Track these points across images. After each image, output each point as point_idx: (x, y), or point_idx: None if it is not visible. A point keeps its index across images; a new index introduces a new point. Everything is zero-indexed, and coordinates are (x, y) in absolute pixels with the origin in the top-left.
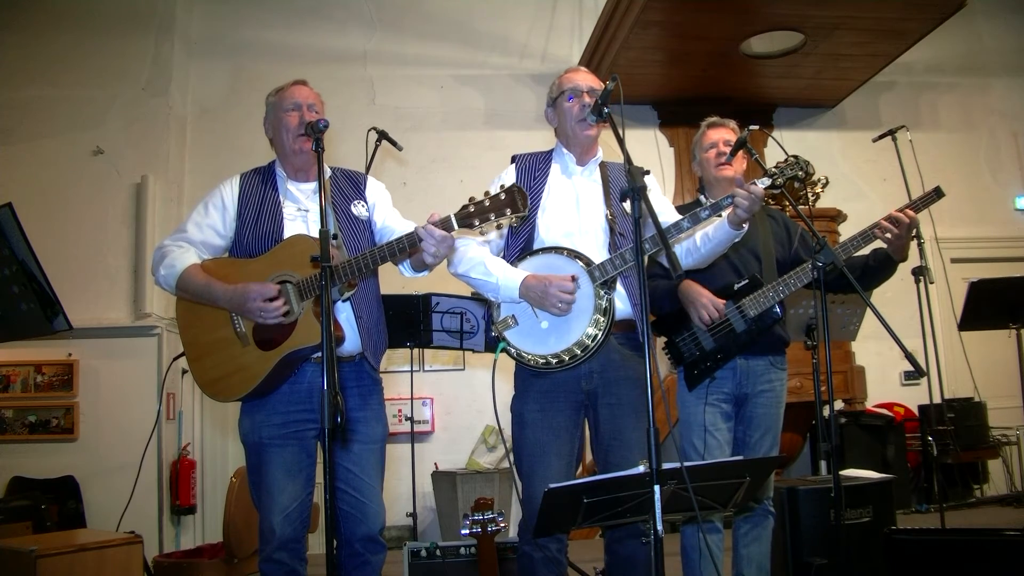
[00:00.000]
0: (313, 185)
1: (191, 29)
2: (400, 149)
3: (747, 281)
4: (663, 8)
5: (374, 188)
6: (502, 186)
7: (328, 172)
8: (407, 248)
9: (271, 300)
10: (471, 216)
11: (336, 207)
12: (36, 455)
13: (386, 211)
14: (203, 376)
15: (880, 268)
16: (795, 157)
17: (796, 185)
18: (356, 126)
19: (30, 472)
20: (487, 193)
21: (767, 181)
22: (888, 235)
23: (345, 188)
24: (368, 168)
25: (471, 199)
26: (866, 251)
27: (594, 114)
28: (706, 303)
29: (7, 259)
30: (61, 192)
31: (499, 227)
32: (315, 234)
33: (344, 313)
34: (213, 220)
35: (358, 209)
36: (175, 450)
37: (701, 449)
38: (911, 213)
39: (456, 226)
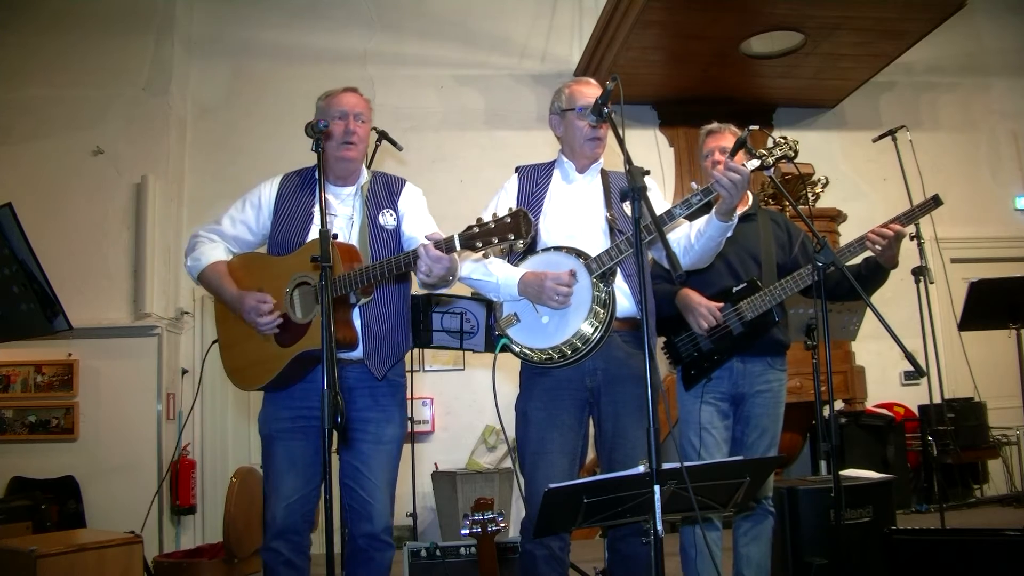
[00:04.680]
0: (349, 189)
1: (191, 29)
2: (400, 149)
3: (745, 284)
4: (663, 8)
5: (409, 196)
6: (510, 209)
7: (366, 176)
8: (412, 263)
9: (268, 312)
10: (475, 237)
11: (369, 215)
12: (36, 455)
13: (416, 221)
14: (229, 363)
15: (871, 276)
16: (783, 138)
17: (787, 177)
18: None
19: (30, 472)
20: (495, 215)
21: (756, 163)
22: (877, 246)
23: (380, 195)
24: (368, 168)
25: (478, 220)
26: (858, 259)
27: (594, 114)
28: (704, 312)
29: (7, 259)
30: (61, 192)
31: (501, 251)
32: (340, 239)
33: (356, 319)
34: (247, 217)
35: (385, 218)
36: (175, 450)
37: (698, 446)
38: (896, 227)
39: (459, 246)
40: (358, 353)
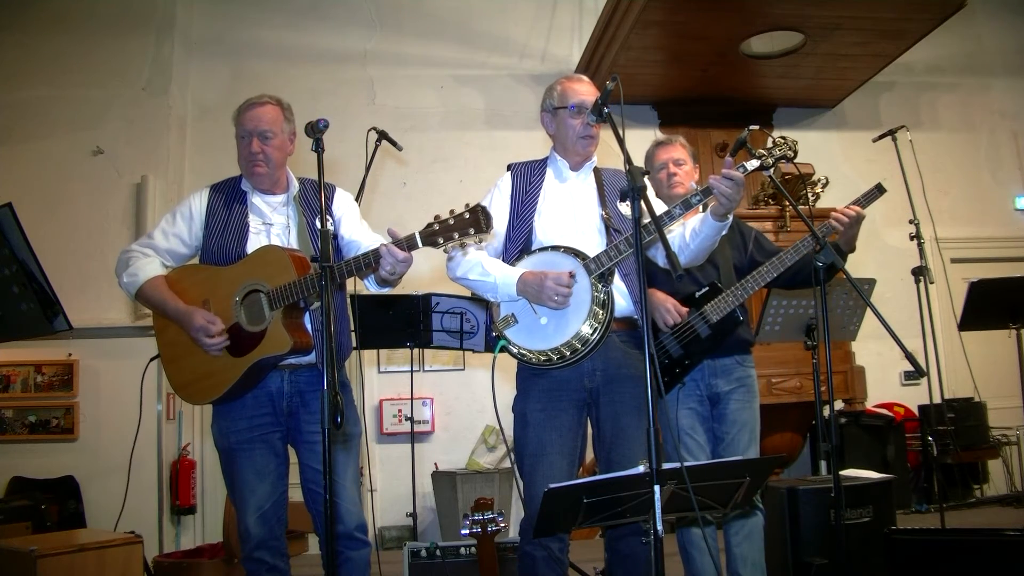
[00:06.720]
0: (280, 198)
1: (191, 29)
2: (400, 149)
3: (707, 288)
4: (663, 8)
5: (341, 201)
6: (467, 205)
7: (296, 186)
8: (372, 264)
9: (217, 333)
10: (435, 235)
11: (305, 220)
12: (36, 455)
13: (352, 225)
14: (176, 378)
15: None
16: (783, 138)
17: (787, 176)
18: (356, 126)
19: (30, 472)
20: (452, 212)
21: (755, 163)
22: (841, 227)
23: (313, 201)
24: (368, 168)
25: (436, 217)
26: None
27: (594, 114)
28: (669, 307)
29: (7, 259)
30: (61, 192)
31: (463, 246)
32: (279, 244)
33: (307, 324)
34: (180, 230)
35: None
36: (175, 450)
37: (682, 452)
38: (858, 208)
39: (420, 244)
40: (311, 357)
